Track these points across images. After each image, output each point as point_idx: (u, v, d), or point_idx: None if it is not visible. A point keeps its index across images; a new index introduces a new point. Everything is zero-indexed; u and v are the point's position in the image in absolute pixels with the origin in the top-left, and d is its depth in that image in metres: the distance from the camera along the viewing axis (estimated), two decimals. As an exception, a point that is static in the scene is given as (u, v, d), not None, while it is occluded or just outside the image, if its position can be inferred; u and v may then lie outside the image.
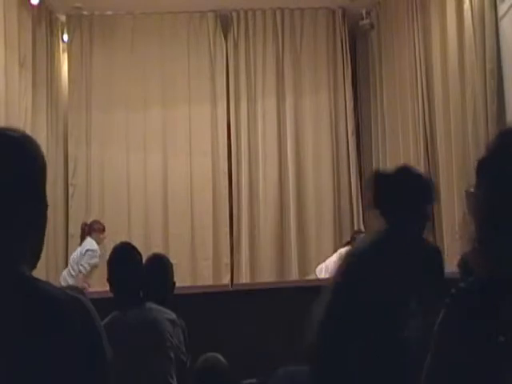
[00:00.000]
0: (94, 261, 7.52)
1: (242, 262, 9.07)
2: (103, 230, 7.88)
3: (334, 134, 9.44)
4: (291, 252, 9.08)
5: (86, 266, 7.49)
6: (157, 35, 9.35)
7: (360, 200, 9.32)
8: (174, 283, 3.84)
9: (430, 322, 1.37)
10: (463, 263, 2.90)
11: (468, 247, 1.25)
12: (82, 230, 7.98)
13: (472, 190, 1.25)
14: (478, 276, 1.23)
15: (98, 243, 7.73)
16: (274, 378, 3.49)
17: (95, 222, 8.03)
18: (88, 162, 9.14)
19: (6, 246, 1.22)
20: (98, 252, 7.58)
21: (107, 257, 3.50)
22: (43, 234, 1.28)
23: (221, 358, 3.46)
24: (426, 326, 1.47)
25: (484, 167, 1.23)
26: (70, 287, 4.30)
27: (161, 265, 3.79)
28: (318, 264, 8.14)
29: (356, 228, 9.16)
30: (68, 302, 1.20)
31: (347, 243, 7.74)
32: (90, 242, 7.69)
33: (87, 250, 7.59)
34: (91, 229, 7.84)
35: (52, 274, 7.93)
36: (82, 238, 7.86)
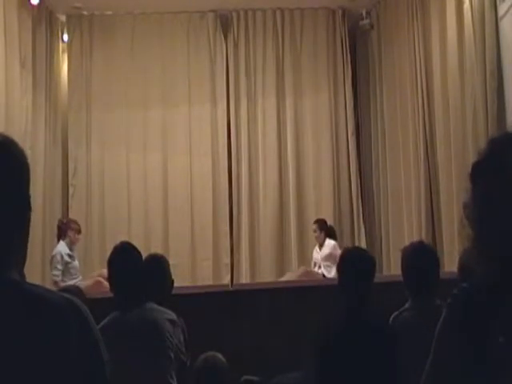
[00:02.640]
0: (59, 266, 7.21)
1: (242, 262, 9.06)
2: (79, 231, 7.62)
3: (334, 134, 9.44)
4: (291, 252, 9.08)
5: (55, 272, 7.21)
6: (157, 35, 9.35)
7: (360, 200, 9.33)
8: (173, 281, 3.83)
9: (431, 322, 1.37)
10: (462, 265, 2.91)
11: (466, 249, 1.26)
12: (59, 228, 7.63)
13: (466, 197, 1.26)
14: (478, 277, 1.23)
15: (73, 243, 7.49)
16: None
17: (72, 221, 7.78)
18: (88, 162, 9.14)
19: None
20: (62, 253, 7.28)
21: (107, 257, 3.50)
22: (27, 237, 1.27)
23: (221, 357, 3.46)
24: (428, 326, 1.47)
25: (479, 171, 1.24)
26: (68, 288, 4.29)
27: (158, 265, 3.78)
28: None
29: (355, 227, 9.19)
30: (62, 304, 1.20)
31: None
32: (56, 248, 7.41)
33: (52, 258, 7.32)
34: (68, 227, 7.54)
35: (48, 274, 7.92)
36: (58, 238, 7.54)
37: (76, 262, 7.48)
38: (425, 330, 1.54)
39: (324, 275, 7.75)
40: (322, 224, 8.15)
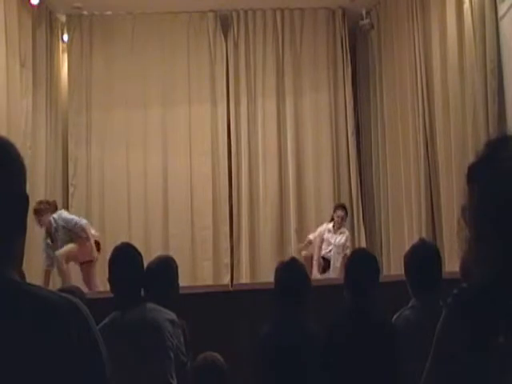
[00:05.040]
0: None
1: (242, 262, 9.07)
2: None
3: (334, 134, 9.44)
4: (291, 252, 9.06)
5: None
6: (157, 35, 9.35)
7: (360, 200, 9.33)
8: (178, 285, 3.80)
9: (433, 320, 1.37)
10: (464, 265, 2.91)
11: (465, 250, 1.26)
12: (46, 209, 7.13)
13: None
14: (478, 277, 1.23)
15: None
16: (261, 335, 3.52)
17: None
18: (88, 162, 9.14)
19: None
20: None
21: (107, 257, 3.50)
22: (24, 237, 1.27)
23: (219, 356, 3.48)
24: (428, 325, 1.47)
25: (476, 172, 1.25)
26: (67, 288, 4.29)
27: (166, 266, 3.77)
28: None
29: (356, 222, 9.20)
30: (62, 304, 1.20)
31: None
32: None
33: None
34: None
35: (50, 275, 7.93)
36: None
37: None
38: (427, 329, 1.54)
39: (329, 262, 7.99)
40: (346, 211, 8.31)
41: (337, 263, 7.92)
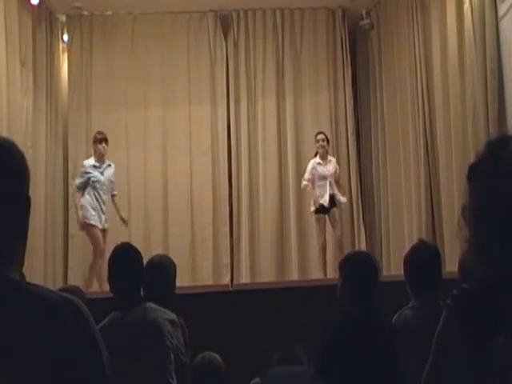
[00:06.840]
0: (78, 180, 7.50)
1: (242, 262, 9.06)
2: (101, 140, 7.43)
3: (334, 134, 9.43)
4: (291, 252, 9.08)
5: (75, 181, 7.58)
6: (157, 35, 9.35)
7: (360, 200, 9.33)
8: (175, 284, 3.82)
9: (433, 320, 1.37)
10: (462, 266, 2.91)
11: (464, 250, 1.26)
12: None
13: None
14: (477, 277, 1.23)
15: (101, 154, 7.38)
16: (269, 378, 3.52)
17: (96, 132, 7.69)
18: (88, 162, 9.13)
19: None
20: (85, 165, 7.38)
21: (107, 257, 3.50)
22: (26, 238, 1.27)
23: (217, 356, 3.49)
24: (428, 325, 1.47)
25: (475, 172, 1.25)
26: (68, 288, 4.29)
27: (164, 267, 3.77)
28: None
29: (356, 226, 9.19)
30: (61, 304, 1.20)
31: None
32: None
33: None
34: (92, 141, 7.58)
35: (50, 273, 7.93)
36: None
37: (102, 177, 7.37)
38: (427, 329, 1.54)
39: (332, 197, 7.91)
40: (327, 137, 8.15)
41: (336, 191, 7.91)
